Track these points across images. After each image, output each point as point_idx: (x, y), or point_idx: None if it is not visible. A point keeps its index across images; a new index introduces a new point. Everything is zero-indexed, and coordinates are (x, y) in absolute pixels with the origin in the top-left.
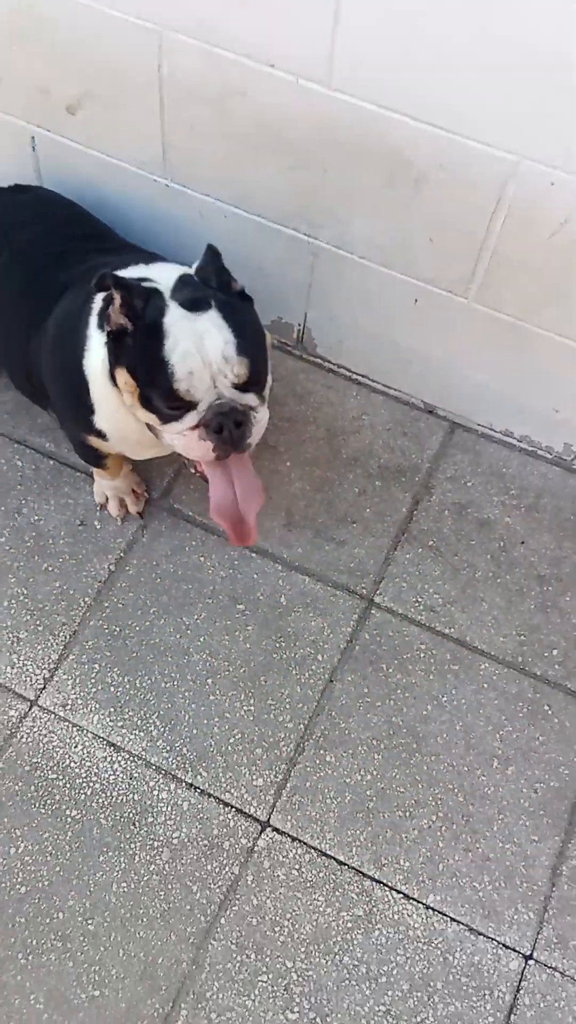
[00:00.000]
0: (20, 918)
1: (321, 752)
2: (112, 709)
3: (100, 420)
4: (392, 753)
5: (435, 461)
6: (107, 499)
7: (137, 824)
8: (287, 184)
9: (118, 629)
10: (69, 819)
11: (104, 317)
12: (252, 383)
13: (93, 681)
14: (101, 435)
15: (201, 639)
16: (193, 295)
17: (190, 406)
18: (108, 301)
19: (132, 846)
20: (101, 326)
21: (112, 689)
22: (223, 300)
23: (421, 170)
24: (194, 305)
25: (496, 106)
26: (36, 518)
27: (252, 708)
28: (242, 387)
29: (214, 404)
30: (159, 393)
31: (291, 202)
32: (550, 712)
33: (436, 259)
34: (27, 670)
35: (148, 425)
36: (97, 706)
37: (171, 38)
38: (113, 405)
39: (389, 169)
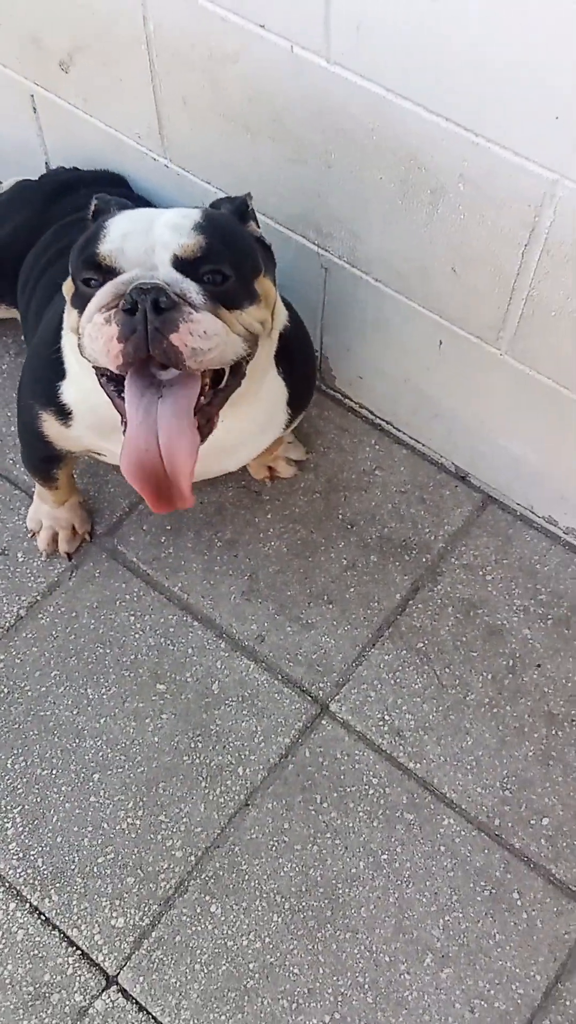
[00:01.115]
0: None
1: (206, 898)
2: None
3: (67, 386)
4: (297, 917)
5: (452, 541)
6: (40, 527)
7: None
8: (288, 179)
9: (5, 691)
10: None
11: None
12: (205, 270)
13: None
14: (63, 412)
15: (101, 721)
16: None
17: (111, 274)
18: None
19: None
20: None
21: None
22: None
23: (438, 180)
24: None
25: (533, 103)
26: None
27: (138, 823)
28: (189, 271)
29: (138, 281)
30: (83, 262)
31: (295, 202)
32: (519, 903)
33: (462, 295)
34: None
35: (79, 343)
36: None
37: None
38: (81, 363)
39: (403, 174)
